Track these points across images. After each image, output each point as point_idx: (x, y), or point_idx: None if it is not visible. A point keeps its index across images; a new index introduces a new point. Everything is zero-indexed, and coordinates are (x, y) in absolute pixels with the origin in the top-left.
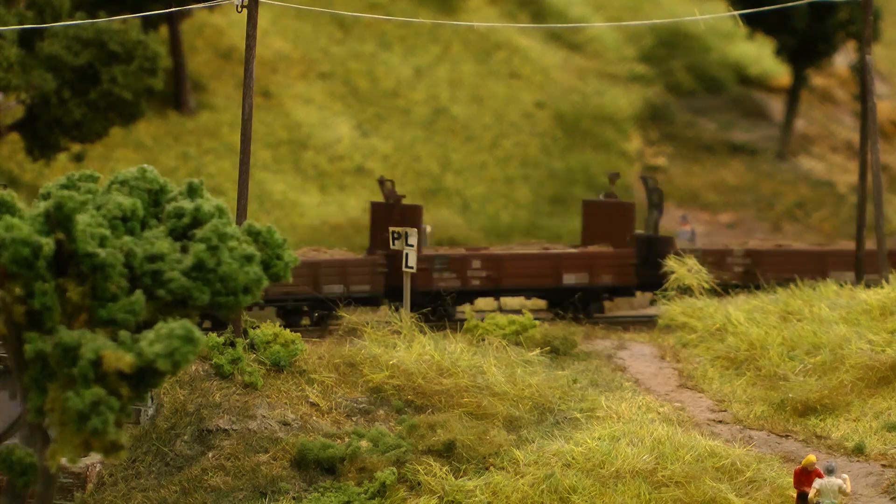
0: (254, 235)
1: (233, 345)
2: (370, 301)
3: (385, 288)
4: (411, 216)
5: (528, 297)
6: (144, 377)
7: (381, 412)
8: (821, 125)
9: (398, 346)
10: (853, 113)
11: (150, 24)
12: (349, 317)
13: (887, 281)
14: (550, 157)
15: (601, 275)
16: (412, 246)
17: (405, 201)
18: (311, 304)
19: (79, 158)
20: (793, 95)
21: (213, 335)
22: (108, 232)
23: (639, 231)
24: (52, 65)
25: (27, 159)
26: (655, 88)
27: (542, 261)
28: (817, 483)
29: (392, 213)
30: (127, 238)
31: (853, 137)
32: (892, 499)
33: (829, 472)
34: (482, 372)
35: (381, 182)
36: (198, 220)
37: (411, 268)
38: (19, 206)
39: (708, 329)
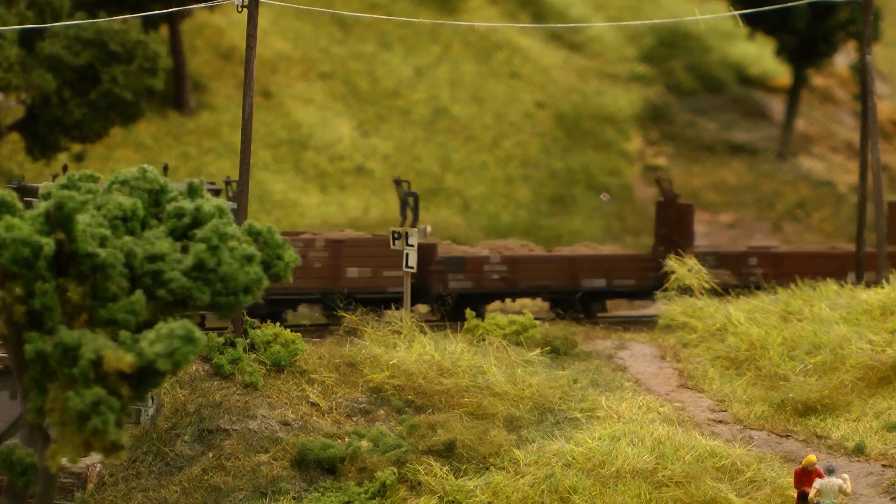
0: (254, 235)
1: (233, 345)
2: (635, 294)
3: (655, 282)
4: (684, 214)
5: None
6: (145, 377)
7: (382, 412)
8: (821, 125)
9: (398, 346)
10: (853, 113)
11: (150, 24)
12: (350, 317)
13: (887, 281)
14: (551, 157)
15: None
16: (412, 246)
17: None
18: (572, 296)
19: (79, 158)
20: (793, 95)
21: (214, 335)
22: (108, 232)
23: None
24: (52, 65)
25: (27, 159)
26: (656, 88)
27: (828, 259)
28: (818, 483)
29: (669, 211)
30: (127, 238)
31: (853, 137)
32: (892, 499)
33: (830, 472)
34: (482, 372)
35: (659, 181)
36: (198, 220)
37: (412, 268)
38: (19, 206)
39: (708, 329)
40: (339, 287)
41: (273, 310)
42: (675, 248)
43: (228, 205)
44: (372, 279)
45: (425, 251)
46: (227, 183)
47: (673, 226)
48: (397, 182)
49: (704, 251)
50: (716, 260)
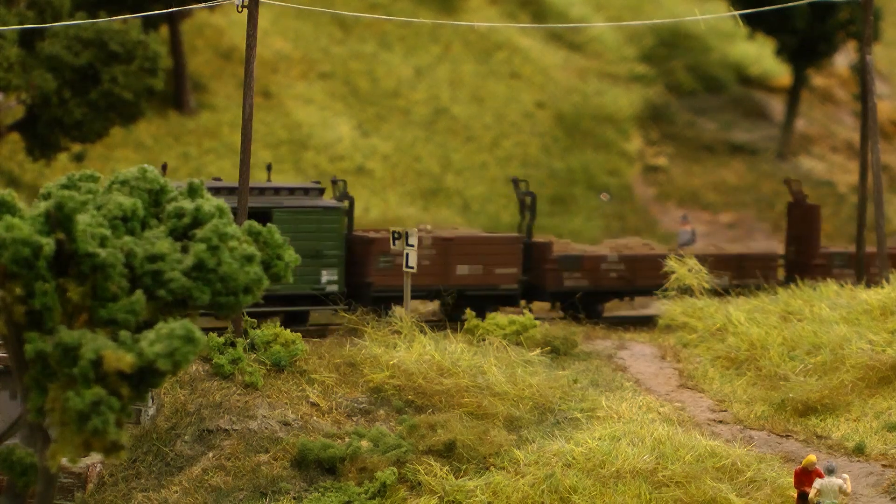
0: (254, 235)
1: (233, 345)
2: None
3: (785, 278)
4: (811, 215)
5: None
6: (145, 377)
7: (382, 412)
8: (821, 125)
9: (398, 346)
10: (853, 113)
11: (150, 24)
12: (350, 317)
13: (888, 281)
14: (551, 157)
15: None
16: (412, 246)
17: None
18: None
19: (79, 158)
20: (793, 95)
21: (214, 335)
22: (108, 232)
23: None
24: (52, 65)
25: (27, 159)
26: (656, 88)
27: None
28: (818, 483)
29: (797, 212)
30: (127, 238)
31: (853, 137)
32: (892, 499)
33: (830, 472)
34: (483, 372)
35: (788, 183)
36: (198, 220)
37: (412, 268)
38: (20, 206)
39: (708, 329)
40: (448, 284)
41: (379, 306)
42: (804, 248)
43: (334, 203)
44: (483, 276)
45: (540, 249)
46: (334, 182)
47: (801, 226)
48: (515, 182)
49: (833, 251)
50: (843, 260)
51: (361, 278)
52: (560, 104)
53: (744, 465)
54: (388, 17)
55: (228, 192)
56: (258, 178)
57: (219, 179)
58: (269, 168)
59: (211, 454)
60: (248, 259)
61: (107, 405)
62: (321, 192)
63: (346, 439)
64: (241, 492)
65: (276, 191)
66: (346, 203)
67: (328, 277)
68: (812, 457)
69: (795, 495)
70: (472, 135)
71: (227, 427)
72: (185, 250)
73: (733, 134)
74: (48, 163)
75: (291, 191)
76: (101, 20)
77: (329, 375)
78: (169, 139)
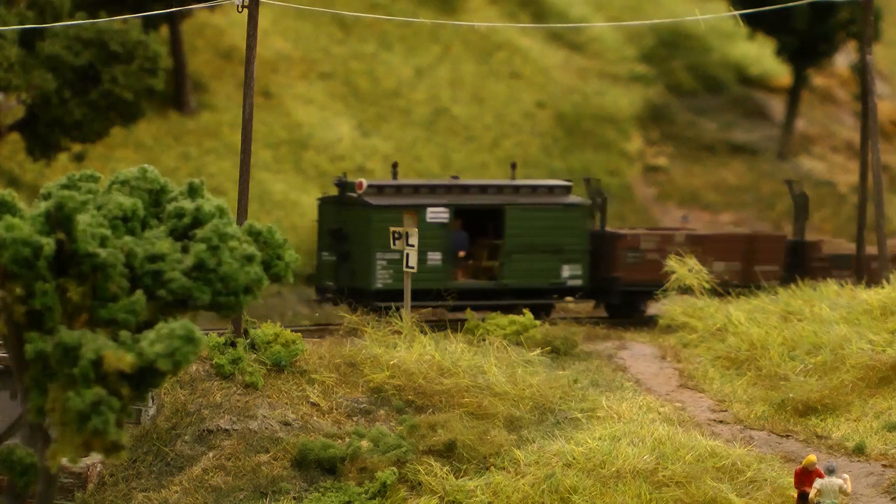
0: (254, 235)
1: (233, 345)
2: None
3: None
4: None
5: None
6: (145, 377)
7: (382, 412)
8: (821, 125)
9: (399, 346)
10: (854, 113)
11: (150, 24)
12: (349, 317)
13: (888, 281)
14: (551, 157)
15: None
16: (413, 246)
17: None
18: None
19: (79, 158)
20: (793, 95)
21: (214, 335)
22: (108, 232)
23: None
24: (52, 65)
25: (28, 159)
26: (656, 88)
27: None
28: (818, 483)
29: None
30: (127, 238)
31: (854, 137)
32: (892, 499)
33: (830, 472)
34: (483, 372)
35: None
36: (198, 220)
37: (412, 268)
38: (20, 206)
39: (709, 329)
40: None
41: (627, 300)
42: None
43: (577, 200)
44: (741, 273)
45: (809, 248)
46: (587, 181)
47: None
48: (789, 183)
49: None
50: None
51: (609, 273)
52: (560, 104)
53: (744, 465)
54: (389, 17)
55: (462, 190)
56: (258, 178)
57: (456, 178)
58: (513, 166)
59: (211, 454)
60: (249, 259)
61: (107, 405)
62: (568, 189)
63: (347, 439)
64: (241, 492)
65: (516, 189)
66: (597, 200)
67: (570, 272)
68: (812, 457)
69: (795, 495)
70: (472, 135)
71: (227, 427)
72: (185, 250)
73: (733, 134)
74: (48, 163)
75: (533, 188)
76: (101, 20)
77: (329, 375)
78: (169, 139)
